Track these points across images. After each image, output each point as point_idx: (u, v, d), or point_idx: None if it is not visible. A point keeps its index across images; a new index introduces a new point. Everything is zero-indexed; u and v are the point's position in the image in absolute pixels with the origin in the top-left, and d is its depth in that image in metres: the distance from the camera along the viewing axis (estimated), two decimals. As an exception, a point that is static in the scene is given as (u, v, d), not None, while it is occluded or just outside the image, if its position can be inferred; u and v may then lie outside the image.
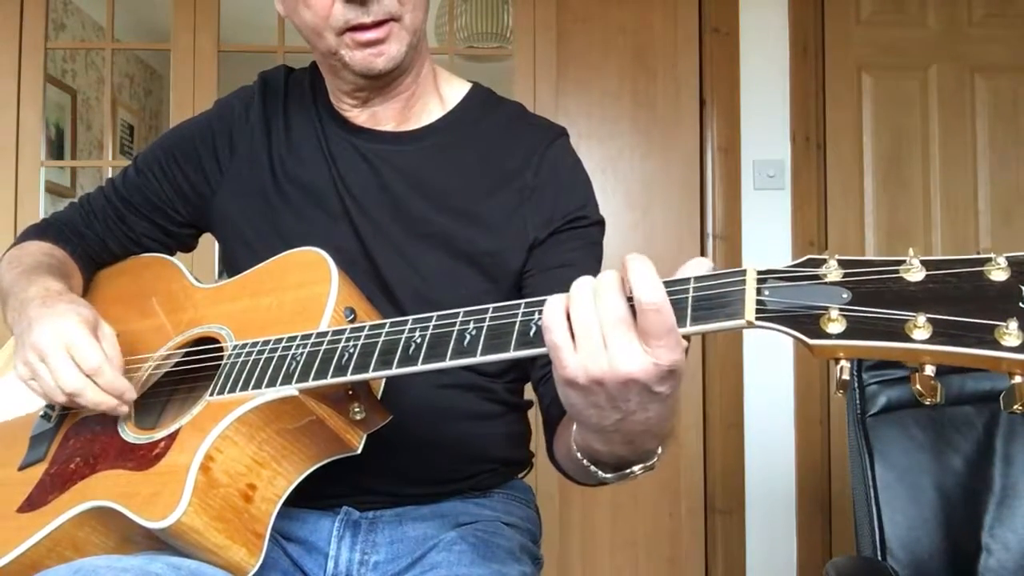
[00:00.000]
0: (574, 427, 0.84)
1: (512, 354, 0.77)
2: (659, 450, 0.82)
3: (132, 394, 0.98)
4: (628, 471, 0.83)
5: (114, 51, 2.86)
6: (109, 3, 2.70)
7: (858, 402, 1.71)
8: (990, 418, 1.68)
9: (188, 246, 1.29)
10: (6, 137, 2.58)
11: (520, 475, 1.22)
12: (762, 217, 2.67)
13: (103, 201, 1.25)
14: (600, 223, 1.18)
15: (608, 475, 0.85)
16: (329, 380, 0.86)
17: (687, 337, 0.71)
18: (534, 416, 1.24)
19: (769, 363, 2.65)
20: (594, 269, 1.14)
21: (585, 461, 0.85)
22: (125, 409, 0.98)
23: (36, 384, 0.98)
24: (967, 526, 1.63)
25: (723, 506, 2.64)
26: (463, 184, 1.14)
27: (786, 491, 2.65)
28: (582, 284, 0.72)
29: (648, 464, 0.83)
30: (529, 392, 1.23)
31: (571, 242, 1.13)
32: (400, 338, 0.84)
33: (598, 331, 0.70)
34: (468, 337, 0.80)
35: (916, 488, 1.65)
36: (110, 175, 2.18)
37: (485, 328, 0.80)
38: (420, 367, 0.81)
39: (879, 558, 1.62)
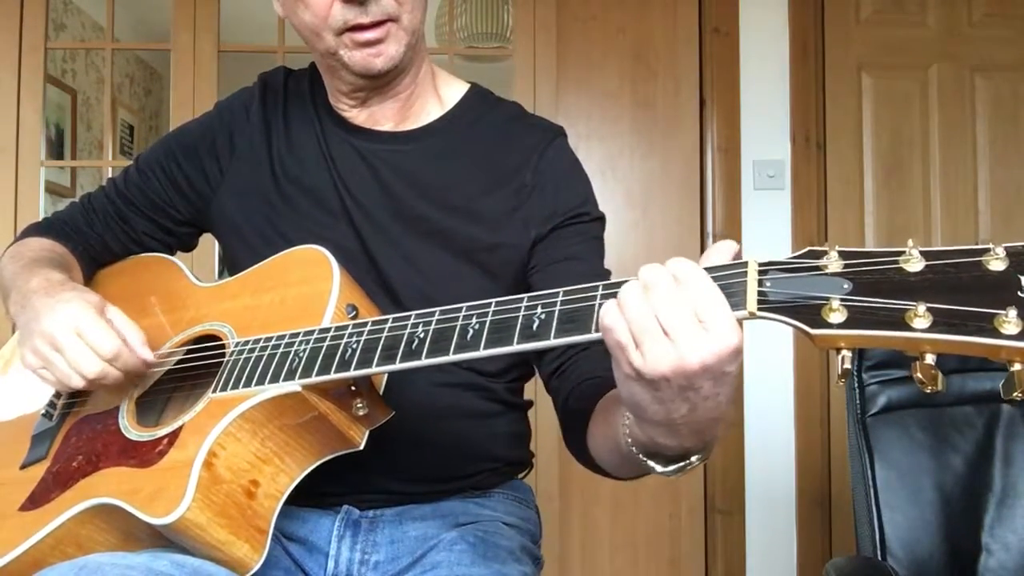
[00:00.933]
0: (627, 423, 0.82)
1: (515, 347, 0.78)
2: (717, 437, 0.81)
3: (149, 358, 1.01)
4: (686, 463, 0.82)
5: (114, 51, 2.86)
6: (109, 3, 2.70)
7: (858, 402, 1.71)
8: (990, 418, 1.69)
9: (188, 245, 1.29)
10: (6, 137, 2.58)
11: (520, 475, 1.22)
12: (762, 217, 2.68)
13: (104, 200, 1.25)
14: (601, 219, 1.18)
15: (667, 468, 0.83)
16: (332, 376, 0.86)
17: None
18: (534, 416, 1.25)
19: (769, 363, 2.65)
20: (599, 263, 1.15)
21: (641, 456, 0.83)
22: (143, 379, 1.01)
23: (47, 372, 0.99)
24: (967, 526, 1.63)
25: (723, 506, 2.64)
26: (462, 183, 1.14)
27: (786, 491, 2.65)
28: (631, 285, 0.72)
29: (704, 454, 0.81)
30: (529, 392, 1.23)
31: (574, 236, 1.13)
32: (403, 333, 0.84)
33: (657, 326, 0.70)
34: (471, 331, 0.80)
35: (916, 488, 1.65)
36: (110, 175, 2.18)
37: (488, 322, 0.80)
38: (424, 361, 0.82)
39: (879, 558, 1.62)
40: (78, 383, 0.97)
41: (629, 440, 0.83)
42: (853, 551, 1.72)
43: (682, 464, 0.82)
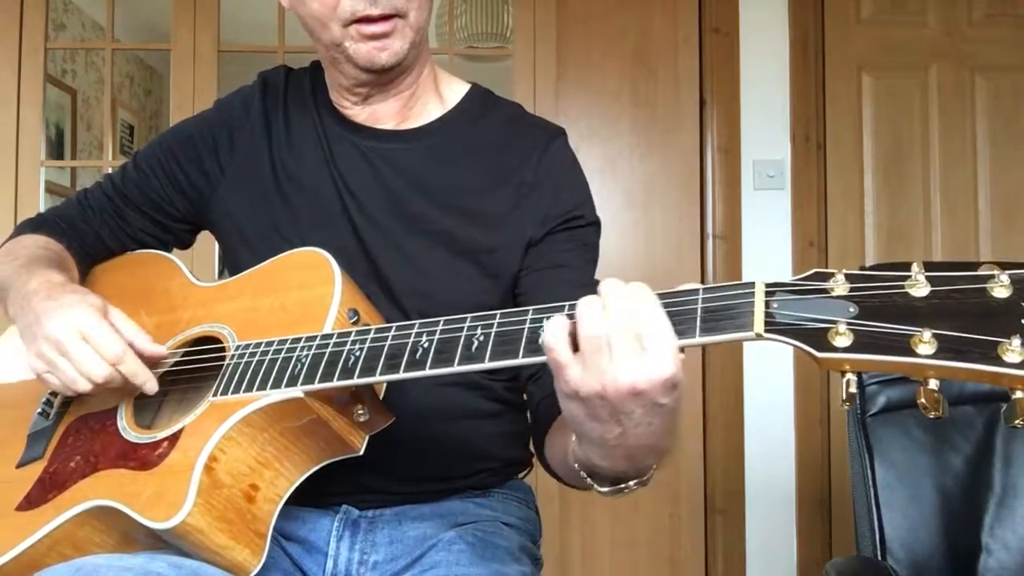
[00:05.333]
0: (573, 439, 0.84)
1: (521, 360, 0.78)
2: (654, 466, 0.83)
3: (152, 380, 1.00)
4: (623, 486, 0.84)
5: (114, 51, 2.87)
6: (109, 3, 2.70)
7: (858, 402, 1.71)
8: (990, 418, 1.68)
9: (185, 243, 1.29)
10: (6, 137, 2.58)
11: (520, 475, 1.22)
12: (762, 217, 2.68)
13: (101, 197, 1.24)
14: (596, 224, 1.18)
15: (604, 488, 0.85)
16: (335, 383, 0.86)
17: (682, 349, 0.73)
18: (534, 416, 1.24)
19: (769, 363, 2.65)
20: (589, 270, 1.15)
21: (583, 473, 0.85)
22: (154, 386, 1.00)
23: (53, 377, 0.98)
24: (967, 526, 1.63)
25: (723, 506, 2.65)
26: (462, 182, 1.14)
27: (786, 491, 2.66)
28: (590, 301, 0.73)
29: (643, 479, 0.84)
30: (529, 391, 1.23)
31: (566, 243, 1.13)
32: (407, 342, 0.84)
33: (605, 344, 0.71)
34: (476, 343, 0.80)
35: (916, 488, 1.65)
36: (110, 175, 2.18)
37: (493, 334, 0.80)
38: (428, 371, 0.82)
39: (879, 558, 1.61)
40: (85, 387, 0.97)
41: (572, 457, 0.85)
42: (853, 551, 1.72)
43: (620, 487, 0.84)
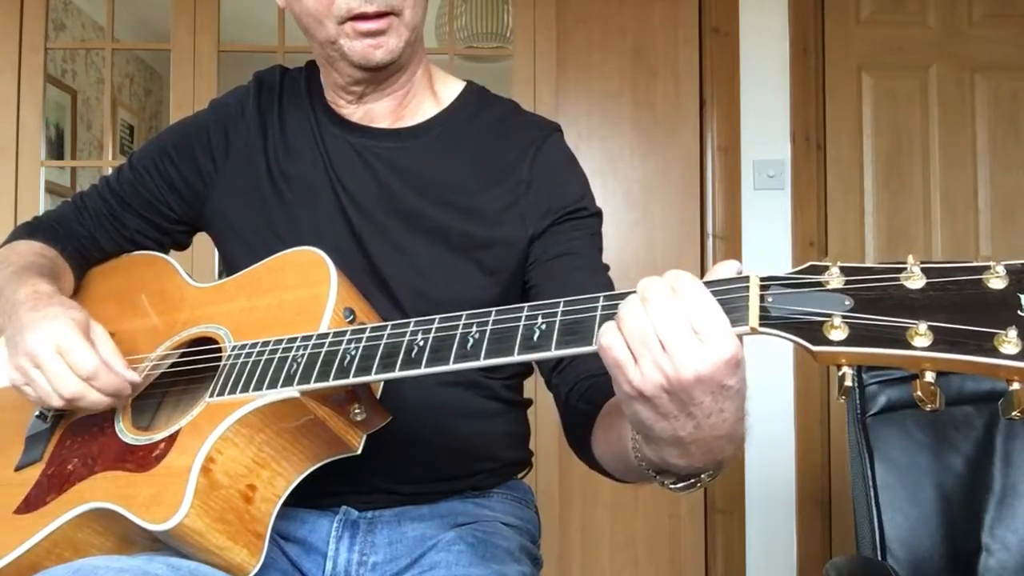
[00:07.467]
0: (636, 439, 0.81)
1: (516, 358, 0.77)
2: (729, 456, 0.80)
3: (129, 389, 0.99)
4: (695, 480, 0.82)
5: (114, 51, 2.86)
6: (109, 3, 2.70)
7: (858, 402, 1.70)
8: (990, 418, 1.68)
9: (182, 244, 1.29)
10: (6, 137, 2.58)
11: (520, 475, 1.22)
12: (762, 217, 2.67)
13: (97, 198, 1.24)
14: (598, 214, 1.18)
15: (677, 485, 0.83)
16: (331, 382, 0.86)
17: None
18: (534, 416, 1.24)
19: (769, 363, 2.64)
20: (596, 258, 1.15)
21: (651, 472, 0.83)
22: (123, 399, 0.99)
23: (30, 389, 0.98)
24: (967, 526, 1.63)
25: (723, 506, 2.64)
26: (459, 180, 1.14)
27: (786, 491, 2.65)
28: (631, 301, 0.72)
29: (714, 472, 0.81)
30: (529, 391, 1.23)
31: (571, 232, 1.13)
32: (403, 341, 0.84)
33: (655, 339, 0.70)
34: (471, 340, 0.80)
35: (916, 488, 1.65)
36: (110, 175, 2.18)
37: (488, 332, 0.80)
38: (424, 370, 0.82)
39: (879, 558, 1.61)
40: (57, 403, 0.96)
41: (638, 456, 0.82)
42: (853, 551, 1.72)
43: (692, 481, 0.81)
